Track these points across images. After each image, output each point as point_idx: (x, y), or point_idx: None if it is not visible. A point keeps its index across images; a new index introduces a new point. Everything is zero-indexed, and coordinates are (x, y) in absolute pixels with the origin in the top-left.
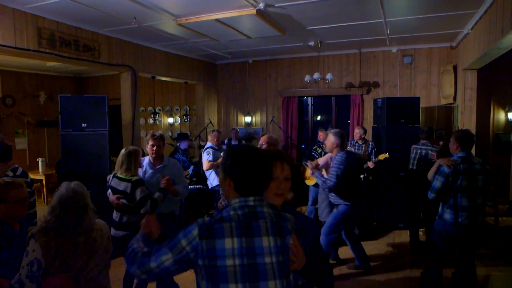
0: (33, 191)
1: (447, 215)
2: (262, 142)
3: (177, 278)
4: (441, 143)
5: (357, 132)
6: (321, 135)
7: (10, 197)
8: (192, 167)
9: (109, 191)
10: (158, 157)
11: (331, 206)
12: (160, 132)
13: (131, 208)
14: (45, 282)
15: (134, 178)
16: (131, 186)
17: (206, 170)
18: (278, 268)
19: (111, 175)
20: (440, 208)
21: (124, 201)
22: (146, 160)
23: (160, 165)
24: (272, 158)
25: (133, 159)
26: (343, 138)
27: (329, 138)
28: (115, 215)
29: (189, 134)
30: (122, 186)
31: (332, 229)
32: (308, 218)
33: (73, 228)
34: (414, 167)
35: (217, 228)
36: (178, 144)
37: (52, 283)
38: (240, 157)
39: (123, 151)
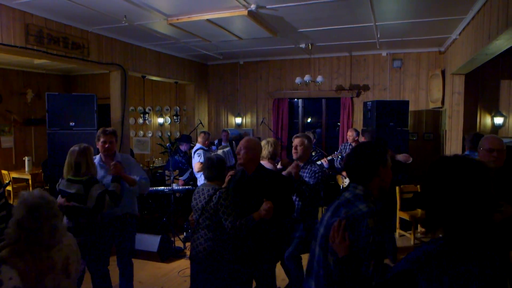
0: None
1: None
2: (239, 146)
3: (173, 279)
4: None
5: (350, 134)
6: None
7: None
8: (190, 170)
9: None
10: (110, 154)
11: None
12: (111, 128)
13: (83, 211)
14: None
15: (85, 178)
16: (83, 187)
17: (198, 172)
18: (320, 237)
19: (61, 178)
20: None
21: (74, 203)
22: (97, 158)
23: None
24: None
25: (84, 157)
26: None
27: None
28: (65, 219)
29: (191, 136)
30: (73, 188)
31: None
32: None
33: (47, 241)
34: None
35: None
36: (179, 144)
37: None
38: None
39: (71, 149)
